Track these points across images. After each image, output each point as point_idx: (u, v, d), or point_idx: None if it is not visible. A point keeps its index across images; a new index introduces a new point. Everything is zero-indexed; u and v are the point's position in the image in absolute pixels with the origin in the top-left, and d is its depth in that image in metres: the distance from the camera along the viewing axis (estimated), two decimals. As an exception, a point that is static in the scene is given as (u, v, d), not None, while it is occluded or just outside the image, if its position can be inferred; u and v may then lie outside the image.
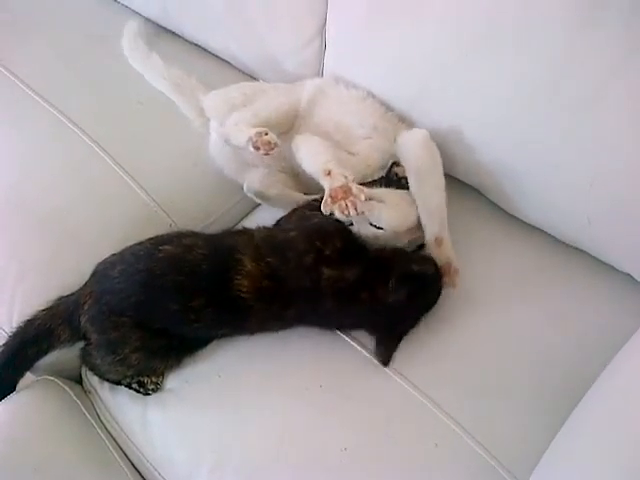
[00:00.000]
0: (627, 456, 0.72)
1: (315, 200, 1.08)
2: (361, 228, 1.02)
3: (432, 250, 1.03)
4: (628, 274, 1.07)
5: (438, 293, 1.02)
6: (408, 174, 1.08)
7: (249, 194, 1.17)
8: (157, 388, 1.04)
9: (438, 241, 1.03)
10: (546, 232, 1.12)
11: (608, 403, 0.84)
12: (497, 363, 1.00)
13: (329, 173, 0.99)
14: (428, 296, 1.01)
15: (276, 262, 0.97)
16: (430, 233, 1.04)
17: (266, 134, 1.03)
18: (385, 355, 1.00)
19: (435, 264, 1.02)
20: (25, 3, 1.55)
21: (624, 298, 1.06)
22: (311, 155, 1.07)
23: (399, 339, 1.00)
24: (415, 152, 1.07)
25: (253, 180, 1.17)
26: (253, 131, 1.04)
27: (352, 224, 1.02)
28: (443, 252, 1.03)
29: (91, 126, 1.26)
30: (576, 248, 1.10)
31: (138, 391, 1.04)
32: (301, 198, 1.13)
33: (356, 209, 0.94)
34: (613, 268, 1.08)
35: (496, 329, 1.03)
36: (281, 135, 1.09)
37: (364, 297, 0.97)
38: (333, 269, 0.97)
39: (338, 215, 0.96)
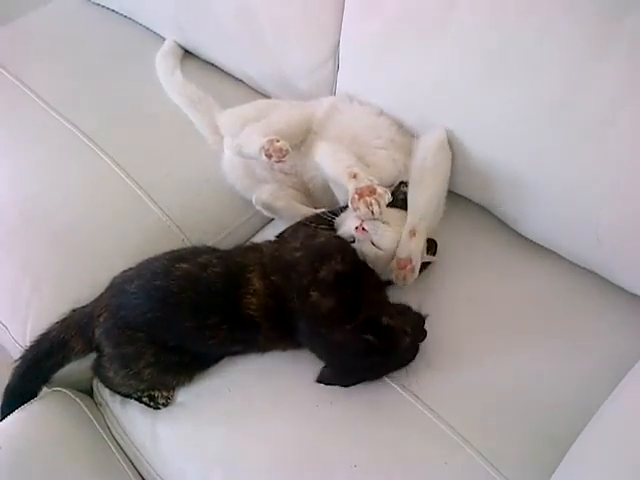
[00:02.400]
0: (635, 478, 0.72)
1: (324, 213, 1.10)
2: (362, 246, 1.03)
3: (403, 239, 1.04)
4: (637, 296, 1.07)
5: (413, 347, 0.97)
6: (414, 161, 1.10)
7: (257, 206, 1.19)
8: (168, 402, 1.04)
9: (411, 233, 1.05)
10: (555, 252, 1.13)
11: (616, 424, 0.84)
12: (507, 383, 0.99)
13: (355, 175, 1.02)
14: (393, 349, 0.95)
15: (280, 282, 0.99)
16: (409, 223, 1.05)
17: (277, 141, 1.05)
18: (326, 380, 0.98)
19: (418, 316, 0.98)
20: (43, 22, 1.59)
21: (633, 320, 1.05)
22: (335, 160, 1.08)
23: (345, 381, 0.98)
24: (430, 143, 1.10)
25: (262, 192, 1.18)
26: (265, 139, 1.06)
27: (354, 241, 1.03)
28: (411, 245, 1.04)
29: (106, 142, 1.29)
30: (585, 269, 1.11)
31: (149, 405, 1.04)
32: (309, 211, 1.15)
33: (380, 206, 0.98)
34: (622, 289, 1.08)
35: (505, 349, 1.03)
36: (293, 149, 1.10)
37: (333, 332, 0.95)
38: (318, 294, 0.96)
39: (363, 210, 0.98)
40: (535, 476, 0.89)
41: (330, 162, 1.09)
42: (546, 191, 1.04)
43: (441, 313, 1.03)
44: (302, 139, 1.19)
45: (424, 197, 1.08)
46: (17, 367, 1.05)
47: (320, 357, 1.00)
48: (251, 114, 1.22)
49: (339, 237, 1.05)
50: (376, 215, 0.99)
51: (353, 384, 0.98)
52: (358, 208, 0.99)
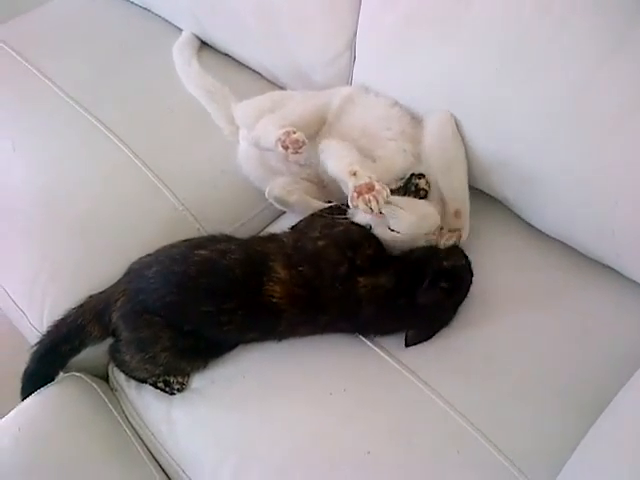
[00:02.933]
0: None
1: (336, 206, 1.11)
2: (380, 232, 1.04)
3: (449, 219, 1.08)
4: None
5: (470, 282, 1.05)
6: (436, 152, 1.12)
7: (270, 199, 1.20)
8: (182, 388, 1.05)
9: (457, 214, 1.10)
10: (571, 246, 1.13)
11: (628, 418, 0.85)
12: (520, 373, 1.01)
13: (354, 173, 1.02)
14: (462, 287, 1.05)
15: (309, 272, 1.00)
16: (451, 206, 1.10)
17: (294, 132, 1.06)
18: (414, 341, 1.03)
19: (464, 254, 1.06)
20: (62, 12, 1.61)
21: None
22: (336, 157, 1.09)
23: (435, 332, 1.04)
24: (445, 133, 1.12)
25: (274, 186, 1.19)
26: (281, 131, 1.07)
27: (371, 227, 1.05)
28: (459, 221, 1.10)
29: (124, 132, 1.30)
30: (601, 263, 1.11)
31: (164, 390, 1.06)
32: (320, 206, 1.16)
33: (378, 202, 0.99)
34: (636, 284, 1.08)
35: (520, 340, 1.04)
36: (308, 140, 1.11)
37: (402, 302, 1.00)
38: (368, 277, 1.00)
39: (362, 208, 0.99)
40: (547, 467, 0.90)
41: (332, 160, 1.10)
42: (561, 185, 1.05)
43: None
44: (317, 129, 1.20)
45: (457, 183, 1.12)
46: (35, 352, 1.07)
47: (391, 331, 1.05)
48: (266, 105, 1.23)
49: (356, 223, 1.06)
50: (375, 212, 1.00)
51: (436, 333, 1.04)
52: (357, 206, 1.00)
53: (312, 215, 1.12)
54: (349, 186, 1.02)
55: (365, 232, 1.05)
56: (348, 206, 1.09)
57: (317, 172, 1.20)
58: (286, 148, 1.06)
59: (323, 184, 1.21)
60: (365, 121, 1.17)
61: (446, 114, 1.11)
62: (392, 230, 1.04)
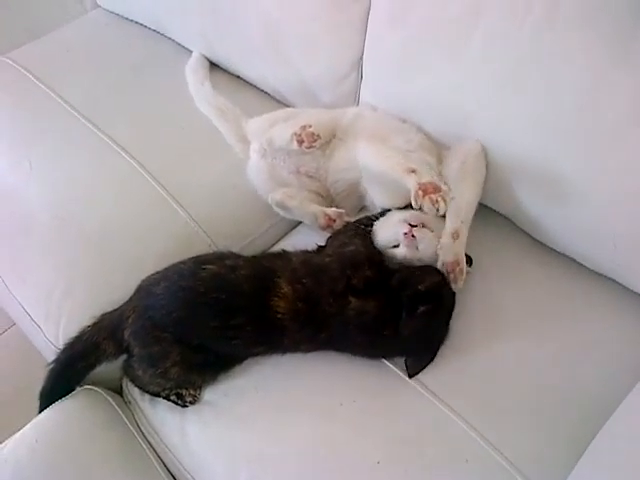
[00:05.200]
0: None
1: (366, 217, 1.13)
2: (408, 253, 1.04)
3: (446, 242, 1.05)
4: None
5: (452, 294, 1.04)
6: (452, 164, 1.11)
7: (273, 205, 1.22)
8: (195, 401, 1.07)
9: (455, 235, 1.05)
10: (571, 258, 1.15)
11: (634, 425, 0.87)
12: (525, 383, 1.02)
13: (413, 170, 1.01)
14: (444, 304, 1.03)
15: (311, 285, 1.02)
16: (451, 226, 1.06)
17: (310, 126, 1.08)
18: (416, 369, 1.03)
19: (436, 270, 1.04)
20: (75, 36, 1.66)
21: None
22: (383, 157, 1.09)
23: (434, 353, 1.03)
24: (470, 148, 1.11)
25: (277, 192, 1.21)
26: (297, 126, 1.09)
27: (397, 246, 1.05)
28: (456, 247, 1.05)
29: (136, 150, 1.33)
30: (601, 274, 1.13)
31: (176, 403, 1.07)
32: (319, 210, 1.17)
33: (445, 204, 0.98)
34: (637, 295, 1.10)
35: (524, 351, 1.05)
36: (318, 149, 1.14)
37: (388, 332, 1.00)
38: (359, 299, 1.00)
39: (427, 208, 0.98)
40: (553, 475, 0.91)
41: (379, 159, 1.09)
42: (563, 197, 1.06)
43: (457, 315, 1.06)
44: (328, 140, 1.21)
45: (465, 200, 1.09)
46: (51, 369, 1.09)
47: (381, 357, 1.05)
48: (280, 116, 1.27)
49: (368, 244, 1.07)
50: (441, 212, 0.98)
51: (436, 353, 1.02)
52: (422, 205, 0.97)
53: (337, 232, 1.14)
54: (409, 184, 1.00)
55: (371, 254, 1.06)
56: (377, 218, 1.11)
57: (325, 185, 1.23)
58: (301, 142, 1.09)
59: (331, 197, 1.24)
60: (383, 133, 1.17)
61: (479, 145, 1.11)
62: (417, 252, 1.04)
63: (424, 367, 1.03)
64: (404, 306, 0.99)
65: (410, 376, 1.03)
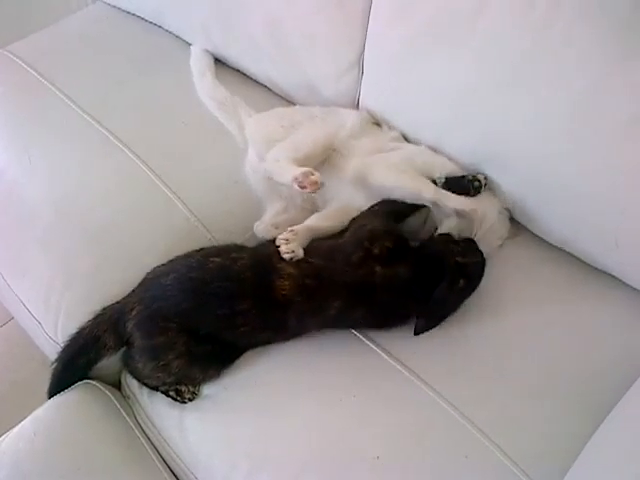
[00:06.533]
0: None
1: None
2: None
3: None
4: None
5: (482, 275, 1.09)
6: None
7: (257, 234, 1.22)
8: (194, 397, 1.07)
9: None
10: (574, 255, 1.16)
11: (633, 422, 0.86)
12: (526, 378, 1.02)
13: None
14: (476, 284, 1.08)
15: (320, 262, 1.04)
16: None
17: (312, 174, 1.07)
18: (423, 329, 1.06)
19: (479, 250, 1.09)
20: (75, 29, 1.66)
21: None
22: (399, 173, 1.14)
23: (443, 318, 1.07)
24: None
25: (261, 223, 1.21)
26: (299, 171, 1.08)
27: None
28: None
29: (137, 145, 1.33)
30: (604, 272, 1.13)
31: (175, 399, 1.07)
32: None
33: None
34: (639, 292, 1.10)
35: (525, 345, 1.06)
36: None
37: (417, 293, 1.04)
38: (385, 267, 1.03)
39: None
40: (552, 471, 0.92)
41: (394, 176, 1.14)
42: (565, 194, 1.07)
43: (461, 313, 1.06)
44: (326, 157, 1.22)
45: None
46: (54, 368, 1.09)
47: (394, 323, 1.09)
48: (276, 133, 1.25)
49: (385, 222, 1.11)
50: None
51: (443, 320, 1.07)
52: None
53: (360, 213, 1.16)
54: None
55: (389, 228, 1.09)
56: None
57: (315, 200, 1.23)
58: (303, 188, 1.07)
59: (317, 210, 1.23)
60: (377, 147, 1.21)
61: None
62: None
63: (430, 329, 1.07)
64: (446, 274, 1.03)
65: (416, 333, 1.06)
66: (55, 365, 1.09)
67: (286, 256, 1.03)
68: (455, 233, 1.11)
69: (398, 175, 1.13)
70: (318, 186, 1.07)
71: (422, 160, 1.17)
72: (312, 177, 1.07)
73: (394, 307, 1.07)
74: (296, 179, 1.07)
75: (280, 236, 1.05)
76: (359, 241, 1.06)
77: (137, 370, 1.09)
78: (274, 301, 1.02)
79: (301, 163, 1.12)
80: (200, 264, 1.05)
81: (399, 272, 1.04)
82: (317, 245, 1.09)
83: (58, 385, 1.10)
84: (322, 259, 1.05)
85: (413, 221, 1.17)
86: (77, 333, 1.09)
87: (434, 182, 1.14)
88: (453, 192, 1.13)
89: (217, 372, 1.08)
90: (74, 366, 1.10)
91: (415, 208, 1.16)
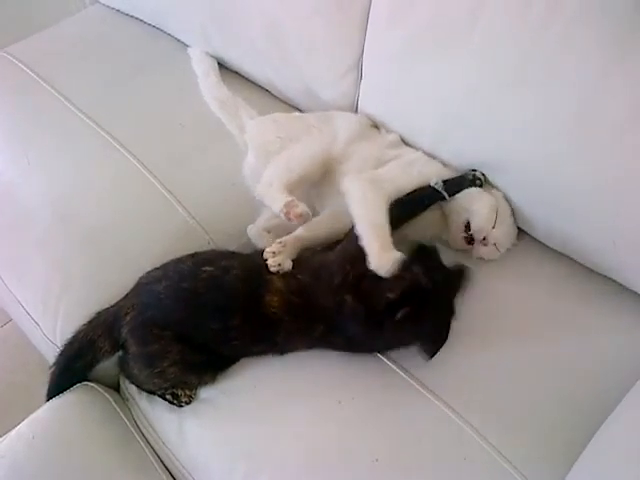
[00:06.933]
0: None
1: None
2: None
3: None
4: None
5: (433, 281, 0.98)
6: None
7: (248, 233, 1.22)
8: (190, 401, 1.06)
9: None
10: (572, 258, 1.16)
11: (632, 425, 0.86)
12: (525, 382, 1.02)
13: None
14: (425, 296, 0.97)
15: (307, 279, 1.02)
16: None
17: (297, 206, 1.07)
18: (431, 351, 1.00)
19: (402, 277, 0.98)
20: (74, 31, 1.66)
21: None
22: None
23: (446, 332, 1.00)
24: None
25: (254, 227, 1.21)
26: (284, 202, 1.07)
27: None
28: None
29: (136, 146, 1.33)
30: (601, 274, 1.13)
31: (172, 402, 1.06)
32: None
33: None
34: (637, 295, 1.10)
35: (521, 349, 1.06)
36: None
37: (387, 324, 0.97)
38: (355, 297, 0.98)
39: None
40: (551, 473, 0.92)
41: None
42: (562, 195, 1.07)
43: (457, 314, 1.04)
44: (323, 171, 1.21)
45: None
46: (52, 373, 1.09)
47: (387, 348, 1.05)
48: (273, 145, 1.25)
49: None
50: None
51: (447, 333, 1.00)
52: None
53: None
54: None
55: None
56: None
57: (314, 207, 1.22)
58: (290, 219, 1.07)
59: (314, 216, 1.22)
60: (375, 152, 1.21)
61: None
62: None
63: (439, 347, 1.00)
64: (382, 316, 0.96)
65: (430, 357, 1.00)
66: (53, 369, 1.09)
67: (273, 269, 1.02)
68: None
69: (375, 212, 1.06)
70: (304, 219, 1.07)
71: (417, 170, 1.17)
72: (296, 210, 1.07)
73: (371, 337, 1.01)
74: (282, 210, 1.08)
75: (267, 249, 1.04)
76: (343, 261, 1.02)
77: (133, 375, 1.09)
78: (265, 317, 1.01)
79: (296, 184, 1.13)
80: (192, 273, 1.04)
81: (360, 307, 0.98)
82: (309, 259, 1.06)
83: (56, 388, 1.10)
84: (309, 276, 1.02)
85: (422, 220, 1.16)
86: (73, 337, 1.08)
87: (431, 187, 1.14)
88: (453, 193, 1.14)
89: (213, 378, 1.07)
90: (71, 369, 1.09)
91: (421, 209, 1.15)
